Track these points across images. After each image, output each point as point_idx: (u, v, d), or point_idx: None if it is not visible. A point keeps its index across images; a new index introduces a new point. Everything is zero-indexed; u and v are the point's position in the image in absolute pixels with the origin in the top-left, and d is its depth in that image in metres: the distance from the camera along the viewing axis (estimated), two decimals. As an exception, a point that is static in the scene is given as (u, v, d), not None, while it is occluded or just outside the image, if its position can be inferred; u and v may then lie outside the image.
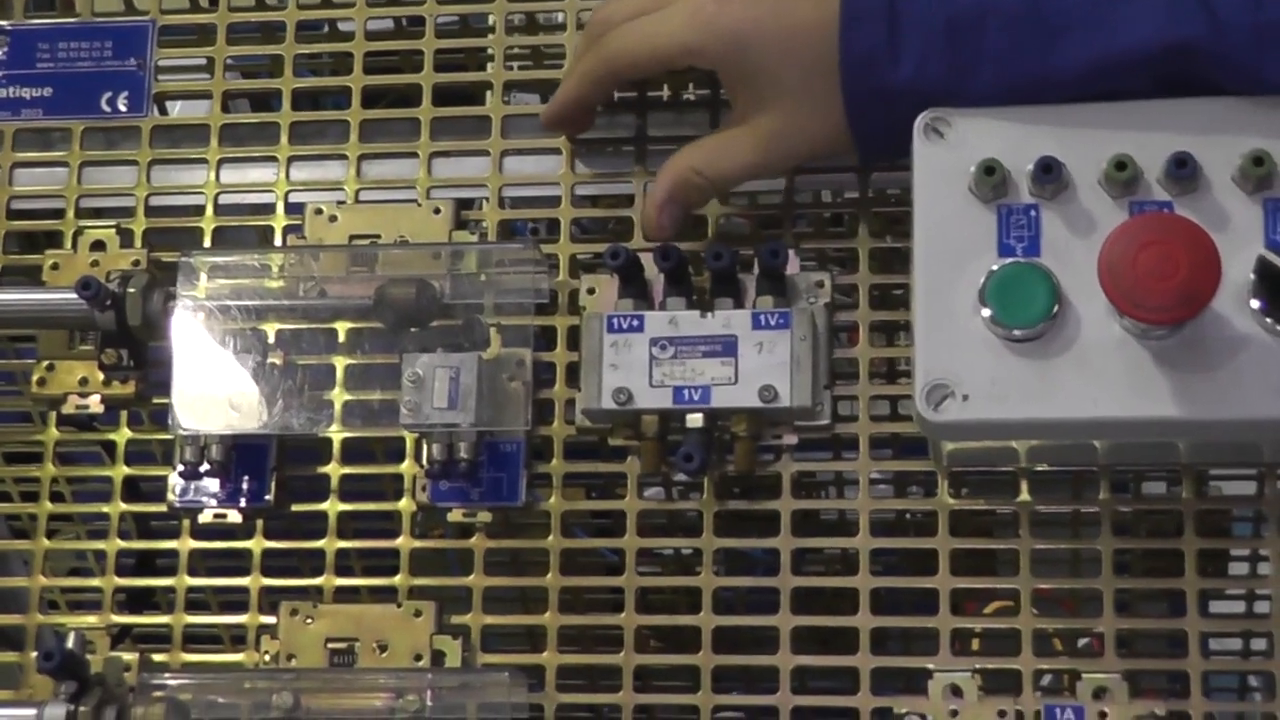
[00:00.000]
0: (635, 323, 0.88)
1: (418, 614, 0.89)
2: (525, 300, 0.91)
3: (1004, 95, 0.83)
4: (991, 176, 0.80)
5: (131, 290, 0.92)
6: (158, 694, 0.88)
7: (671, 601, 0.95)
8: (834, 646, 0.88)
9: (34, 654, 0.91)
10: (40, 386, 0.95)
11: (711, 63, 0.88)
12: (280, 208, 0.96)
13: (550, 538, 0.90)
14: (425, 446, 0.90)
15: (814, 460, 0.91)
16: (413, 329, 0.91)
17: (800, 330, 0.87)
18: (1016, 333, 0.79)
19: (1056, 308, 0.78)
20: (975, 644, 0.93)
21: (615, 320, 0.89)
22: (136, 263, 0.95)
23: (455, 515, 0.91)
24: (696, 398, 0.87)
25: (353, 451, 0.93)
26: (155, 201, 0.97)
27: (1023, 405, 0.79)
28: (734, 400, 0.87)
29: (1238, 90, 0.80)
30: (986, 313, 0.79)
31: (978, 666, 0.86)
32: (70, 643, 0.88)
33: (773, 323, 0.88)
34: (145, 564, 0.99)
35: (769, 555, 0.90)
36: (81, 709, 0.86)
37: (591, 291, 0.91)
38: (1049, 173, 0.80)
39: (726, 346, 0.87)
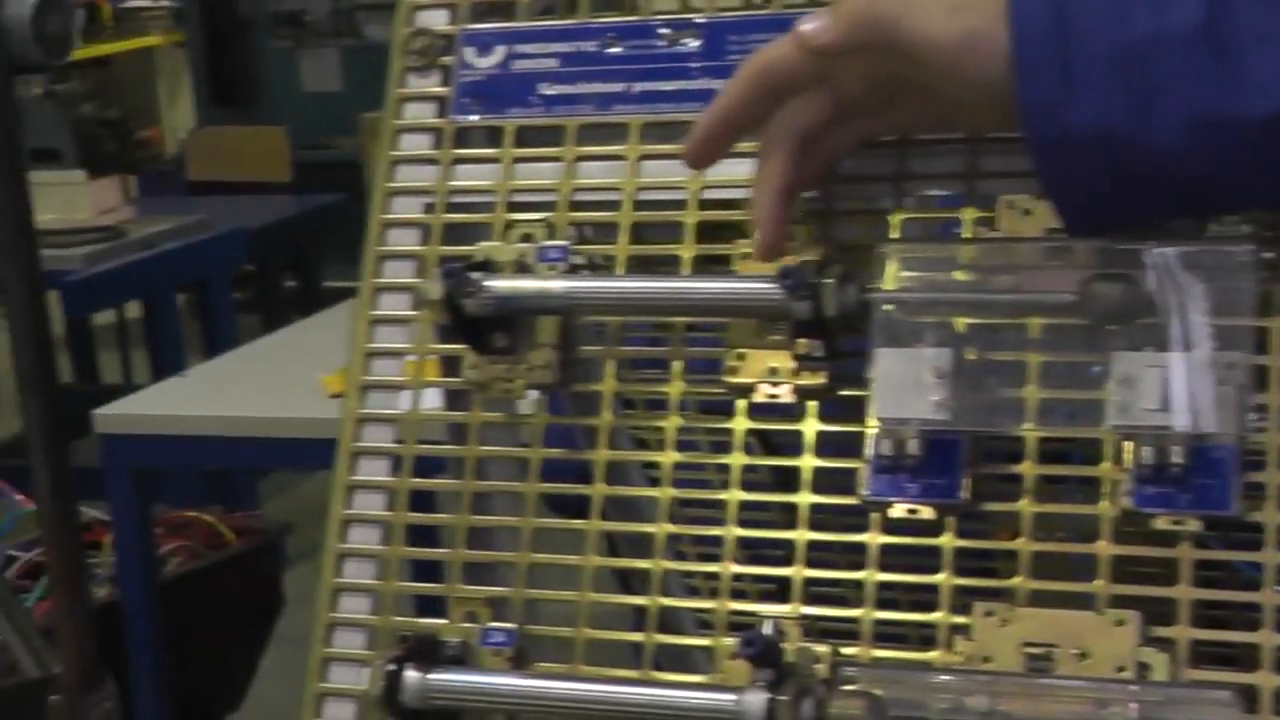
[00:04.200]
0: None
1: (1120, 623, 0.86)
2: (1240, 301, 0.86)
3: (1191, 130, 0.79)
4: None
5: (828, 280, 0.92)
6: (851, 688, 0.87)
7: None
8: None
9: (726, 639, 0.92)
10: (731, 375, 0.96)
11: None
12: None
13: (1269, 551, 0.85)
14: (1130, 449, 0.86)
15: None
16: (1114, 326, 0.88)
17: None
18: None
19: None
20: None
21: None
22: (827, 254, 0.95)
23: (1161, 522, 0.87)
24: None
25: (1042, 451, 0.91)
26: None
27: None
28: None
29: None
30: None
31: None
32: (768, 631, 0.89)
33: None
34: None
35: None
36: (781, 698, 0.86)
37: (1315, 294, 0.86)
38: None
39: None
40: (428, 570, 1.11)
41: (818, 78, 0.90)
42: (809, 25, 0.88)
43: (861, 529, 0.93)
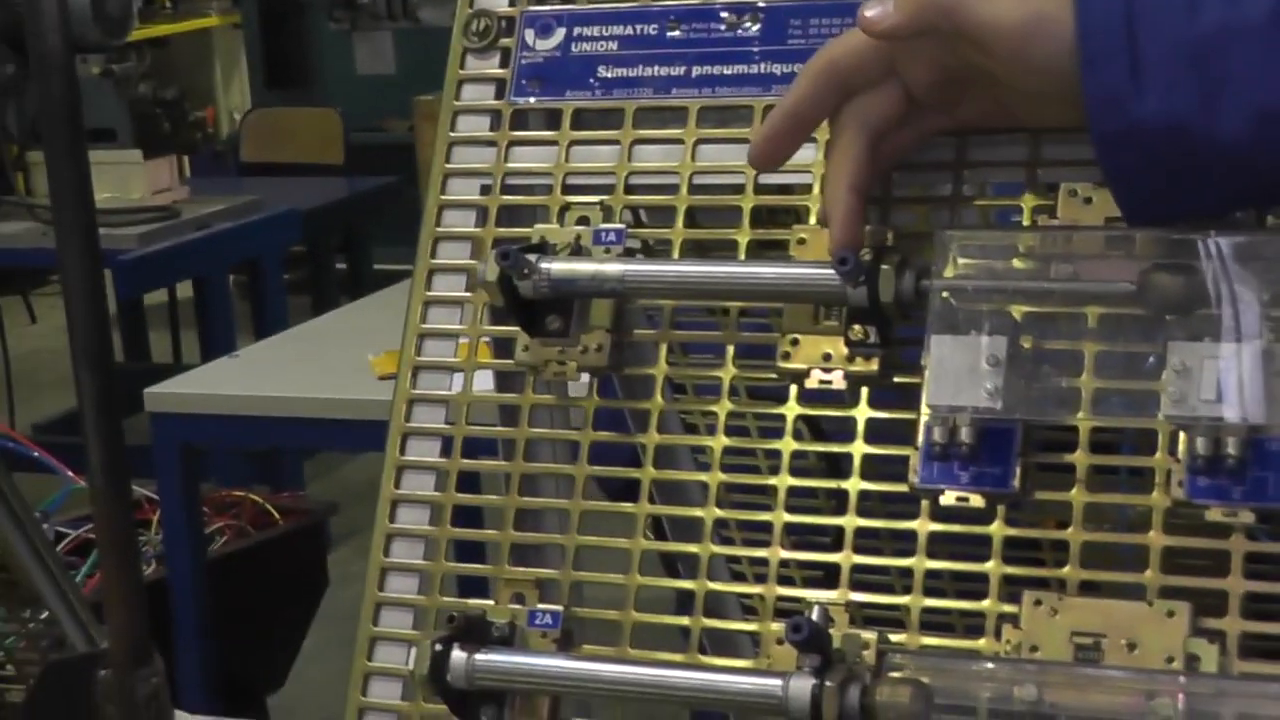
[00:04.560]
0: None
1: (1170, 614, 0.85)
2: (1297, 293, 0.86)
3: (1259, 122, 0.78)
4: None
5: (885, 266, 0.92)
6: (896, 674, 0.87)
7: None
8: None
9: (772, 624, 0.92)
10: (784, 360, 0.96)
11: None
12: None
13: (1323, 544, 0.85)
14: (1185, 440, 0.86)
15: None
16: (1172, 316, 0.87)
17: None
18: None
19: None
20: None
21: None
22: (885, 239, 0.95)
23: (1214, 514, 0.86)
24: None
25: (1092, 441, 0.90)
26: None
27: None
28: None
29: None
30: None
31: None
32: (815, 617, 0.88)
33: None
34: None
35: None
36: (827, 684, 0.86)
37: (1374, 286, 0.85)
38: None
39: None
40: (474, 551, 1.12)
41: (885, 70, 0.90)
42: (872, 10, 0.87)
43: (908, 516, 0.92)
